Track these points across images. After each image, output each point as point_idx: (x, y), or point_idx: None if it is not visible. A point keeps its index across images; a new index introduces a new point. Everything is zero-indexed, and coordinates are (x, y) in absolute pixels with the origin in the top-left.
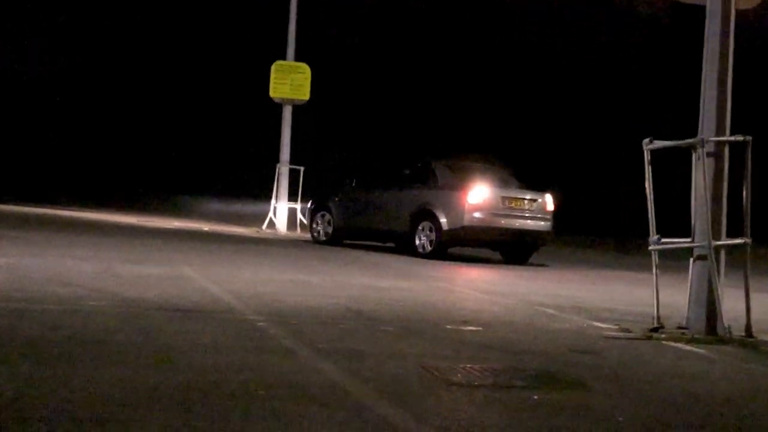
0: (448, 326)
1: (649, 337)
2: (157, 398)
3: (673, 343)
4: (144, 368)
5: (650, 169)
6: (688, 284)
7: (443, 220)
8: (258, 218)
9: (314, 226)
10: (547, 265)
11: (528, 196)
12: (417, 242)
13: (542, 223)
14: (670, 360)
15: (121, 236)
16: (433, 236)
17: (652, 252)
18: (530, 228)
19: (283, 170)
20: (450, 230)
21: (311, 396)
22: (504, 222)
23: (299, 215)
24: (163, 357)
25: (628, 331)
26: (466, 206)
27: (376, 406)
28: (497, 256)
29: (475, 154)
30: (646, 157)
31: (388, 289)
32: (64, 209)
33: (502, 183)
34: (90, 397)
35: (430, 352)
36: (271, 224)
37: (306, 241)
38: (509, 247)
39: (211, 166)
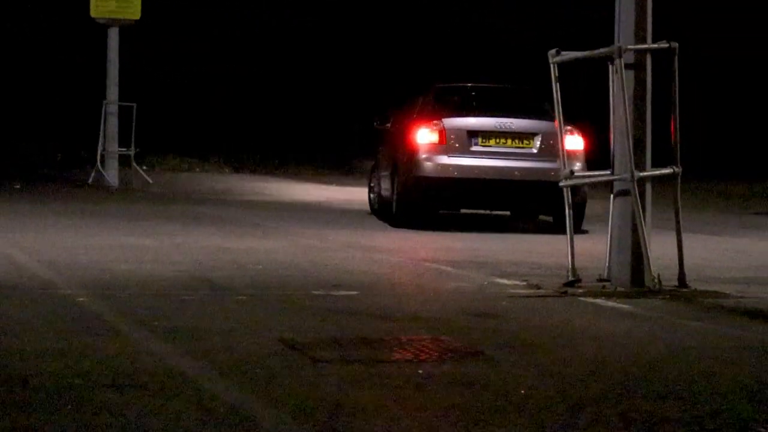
0: (315, 292)
1: (563, 294)
2: None
3: (591, 299)
4: None
5: (558, 87)
6: (609, 226)
7: (388, 172)
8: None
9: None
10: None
11: (519, 129)
12: (369, 202)
13: (548, 165)
14: (586, 319)
15: None
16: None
17: (564, 189)
18: (524, 177)
19: (111, 108)
20: (404, 185)
21: (141, 384)
22: (481, 170)
23: (134, 164)
24: None
25: (537, 287)
26: (418, 150)
27: (222, 392)
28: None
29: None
30: (553, 71)
31: (246, 251)
32: None
33: (492, 112)
34: None
35: (292, 325)
36: (99, 176)
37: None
38: (509, 206)
39: (26, 105)
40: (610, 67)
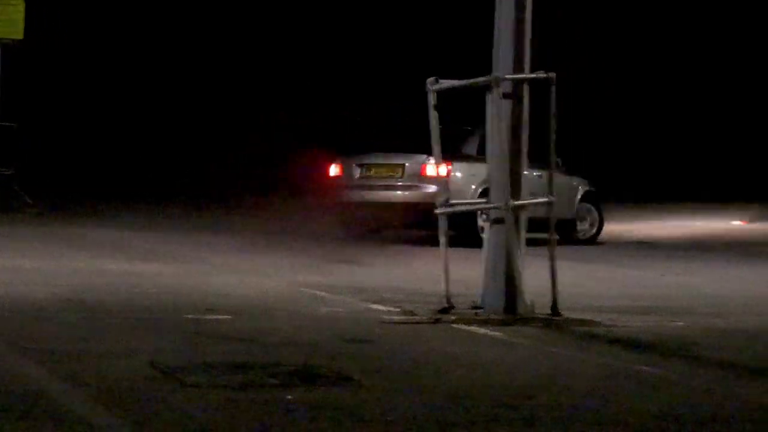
0: (189, 316)
1: (436, 320)
2: None
3: (464, 326)
4: None
5: (437, 115)
6: (484, 254)
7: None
8: None
9: None
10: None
11: (394, 161)
12: None
13: (418, 192)
14: (458, 346)
15: None
16: None
17: (440, 217)
18: (397, 200)
19: None
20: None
21: (7, 407)
22: (362, 196)
23: (15, 185)
24: None
25: (412, 314)
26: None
27: (89, 415)
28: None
29: None
30: (431, 100)
31: (125, 274)
32: None
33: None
34: None
35: (164, 348)
36: None
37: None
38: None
39: None
40: (488, 96)
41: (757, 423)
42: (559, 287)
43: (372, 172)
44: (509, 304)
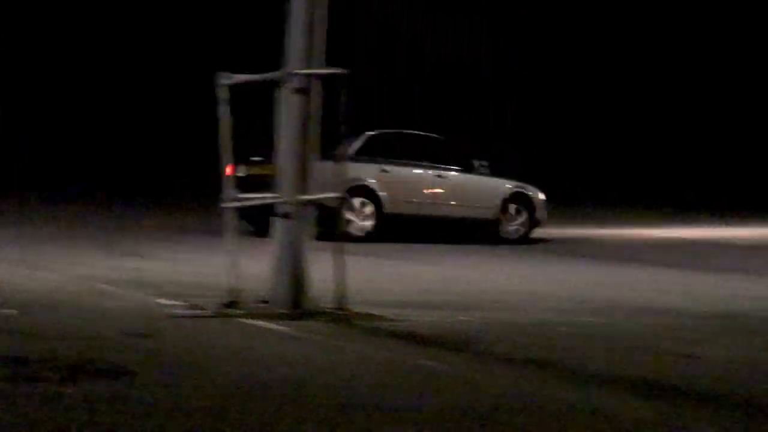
0: None
1: (221, 315)
2: None
3: (250, 321)
4: None
5: (228, 110)
6: (272, 248)
7: None
8: None
9: None
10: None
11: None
12: None
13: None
14: (241, 340)
15: None
16: None
17: (225, 210)
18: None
19: None
20: None
21: None
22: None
23: None
24: None
25: (199, 308)
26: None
27: None
28: None
29: None
30: (222, 94)
31: None
32: None
33: None
34: None
35: None
36: None
37: None
38: None
39: None
40: (278, 91)
41: (533, 414)
42: (363, 284)
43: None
44: (295, 298)
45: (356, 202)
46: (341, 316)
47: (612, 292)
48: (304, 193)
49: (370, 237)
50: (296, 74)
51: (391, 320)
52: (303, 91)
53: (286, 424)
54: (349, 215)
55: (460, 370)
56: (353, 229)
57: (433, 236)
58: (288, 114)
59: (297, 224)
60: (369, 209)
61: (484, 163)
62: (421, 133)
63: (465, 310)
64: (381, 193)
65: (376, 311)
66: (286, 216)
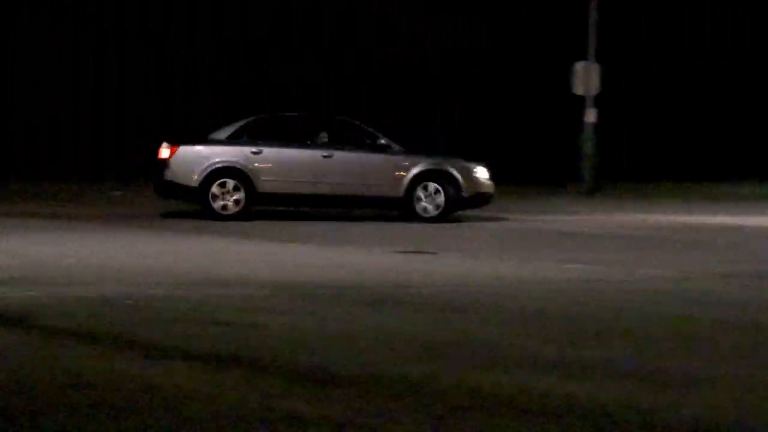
0: None
1: None
2: None
3: None
4: None
5: None
6: None
7: None
8: None
9: None
10: None
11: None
12: None
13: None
14: None
15: None
16: None
17: None
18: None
19: None
20: None
21: None
22: None
23: None
24: None
25: None
26: None
27: None
28: None
29: None
30: None
31: None
32: None
33: None
34: None
35: None
36: None
37: None
38: None
39: None
40: None
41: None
42: None
43: None
44: None
45: (229, 183)
46: None
47: (219, 267)
48: None
49: (239, 216)
50: None
51: None
52: None
53: None
54: (219, 194)
55: (16, 344)
56: (218, 209)
57: (319, 214)
58: None
59: None
60: (238, 190)
61: (388, 141)
62: (305, 114)
63: (35, 285)
64: (251, 174)
65: None
66: None
